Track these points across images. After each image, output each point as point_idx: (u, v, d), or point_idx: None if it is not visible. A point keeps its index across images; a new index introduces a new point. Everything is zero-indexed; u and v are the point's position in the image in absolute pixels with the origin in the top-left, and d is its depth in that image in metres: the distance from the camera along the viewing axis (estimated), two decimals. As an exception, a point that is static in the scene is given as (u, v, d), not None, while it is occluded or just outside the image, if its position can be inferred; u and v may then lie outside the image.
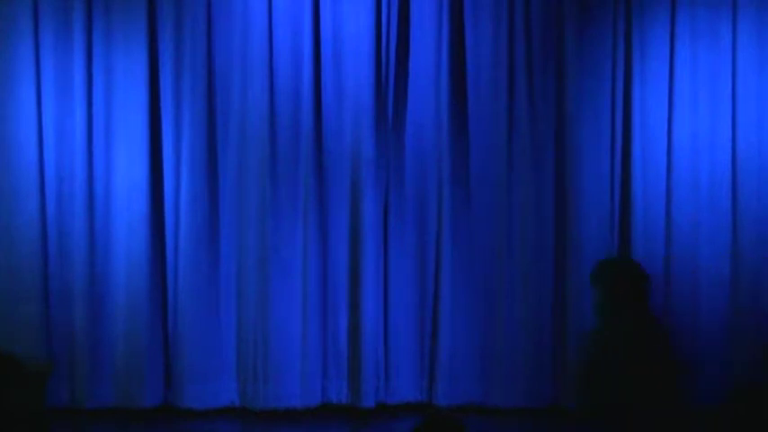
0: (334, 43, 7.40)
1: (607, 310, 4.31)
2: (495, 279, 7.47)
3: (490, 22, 7.47)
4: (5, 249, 7.22)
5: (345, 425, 7.25)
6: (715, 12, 7.48)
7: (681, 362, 4.47)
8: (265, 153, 7.34)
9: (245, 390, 7.37)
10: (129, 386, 7.28)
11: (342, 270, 7.39)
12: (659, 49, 7.50)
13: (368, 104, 7.35)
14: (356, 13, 7.37)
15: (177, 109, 7.34)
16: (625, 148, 7.52)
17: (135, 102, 7.29)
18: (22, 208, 7.22)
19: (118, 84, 7.30)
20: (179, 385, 7.31)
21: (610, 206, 7.51)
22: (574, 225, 7.47)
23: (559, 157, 7.50)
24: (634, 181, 7.49)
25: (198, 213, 7.32)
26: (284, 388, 7.31)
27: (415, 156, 7.49)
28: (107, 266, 7.30)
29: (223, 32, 7.37)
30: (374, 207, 7.38)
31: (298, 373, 7.32)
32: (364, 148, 7.36)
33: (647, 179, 7.50)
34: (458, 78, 7.46)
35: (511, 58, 7.46)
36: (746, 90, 7.46)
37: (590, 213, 7.48)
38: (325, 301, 7.41)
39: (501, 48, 7.46)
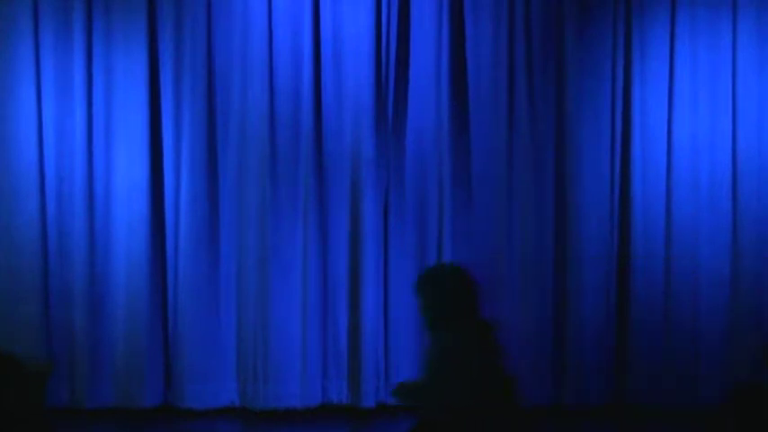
0: (334, 43, 7.40)
1: (437, 316, 4.28)
2: (494, 279, 7.47)
3: (490, 22, 7.47)
4: (5, 249, 7.22)
5: (345, 425, 7.25)
6: (715, 12, 7.49)
7: (512, 370, 4.42)
8: (265, 153, 7.34)
9: (245, 390, 7.37)
10: (129, 386, 7.28)
11: (342, 270, 7.39)
12: (659, 49, 7.51)
13: (368, 105, 7.35)
14: (356, 13, 7.37)
15: (177, 109, 7.34)
16: (625, 148, 7.52)
17: (135, 102, 7.29)
18: (22, 208, 7.22)
19: (118, 84, 7.30)
20: (179, 385, 7.31)
21: (610, 206, 7.51)
22: (574, 225, 7.48)
23: (559, 157, 7.51)
24: (634, 181, 7.49)
25: (198, 213, 7.32)
26: (284, 388, 7.31)
27: (415, 155, 7.49)
28: (107, 266, 7.30)
29: (223, 32, 7.37)
30: (374, 207, 7.38)
31: (298, 373, 7.32)
32: (364, 148, 7.37)
33: (646, 179, 7.50)
34: (458, 78, 7.46)
35: (511, 58, 7.47)
36: (746, 90, 7.47)
37: (590, 213, 7.49)
38: (325, 301, 7.41)
39: (501, 48, 7.47)
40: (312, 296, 7.35)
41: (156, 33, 7.34)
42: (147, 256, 7.27)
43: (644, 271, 7.48)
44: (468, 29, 7.44)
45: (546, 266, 7.46)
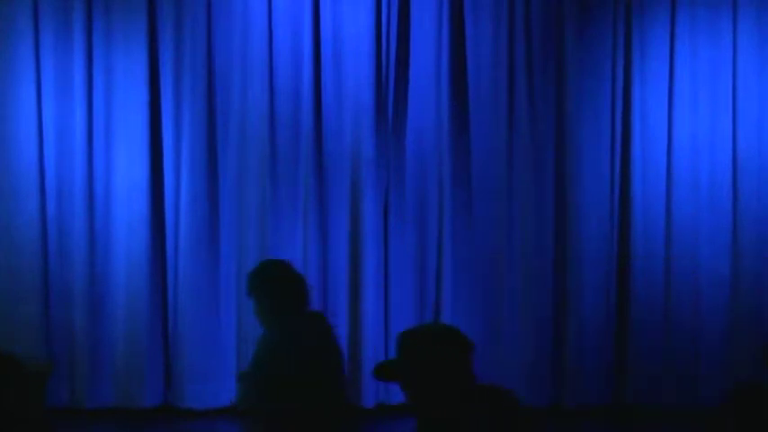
0: (334, 43, 7.40)
1: (266, 313, 4.29)
2: (495, 279, 7.47)
3: (490, 22, 7.47)
4: (5, 249, 7.22)
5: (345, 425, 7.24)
6: (715, 11, 7.48)
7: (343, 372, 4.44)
8: (265, 153, 7.34)
9: (245, 390, 7.37)
10: (129, 386, 7.28)
11: (342, 270, 7.39)
12: (659, 49, 7.51)
13: (368, 105, 7.35)
14: (356, 13, 7.37)
15: (177, 109, 7.34)
16: (625, 148, 7.52)
17: (135, 102, 7.30)
18: (22, 208, 7.22)
19: (118, 84, 7.31)
20: (179, 385, 7.31)
21: (610, 206, 7.51)
22: (574, 225, 7.48)
23: (559, 157, 7.51)
24: (634, 181, 7.49)
25: (198, 213, 7.32)
26: (284, 388, 7.30)
27: (416, 155, 7.49)
28: (107, 266, 7.30)
29: (223, 32, 7.37)
30: (374, 207, 7.38)
31: (298, 374, 7.31)
32: (364, 148, 7.37)
33: (646, 179, 7.50)
34: (458, 78, 7.46)
35: (511, 58, 7.47)
36: (746, 90, 7.46)
37: (590, 213, 7.49)
38: (325, 301, 7.41)
39: (501, 48, 7.47)
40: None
41: (156, 33, 7.34)
42: (147, 256, 7.27)
43: (644, 271, 7.48)
44: (468, 29, 7.44)
45: (546, 266, 7.46)
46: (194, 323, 7.30)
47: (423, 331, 3.14)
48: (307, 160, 7.36)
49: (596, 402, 7.48)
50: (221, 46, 7.38)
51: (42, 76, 7.27)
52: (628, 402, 7.49)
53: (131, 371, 7.27)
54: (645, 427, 7.37)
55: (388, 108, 7.45)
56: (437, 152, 7.46)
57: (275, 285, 4.27)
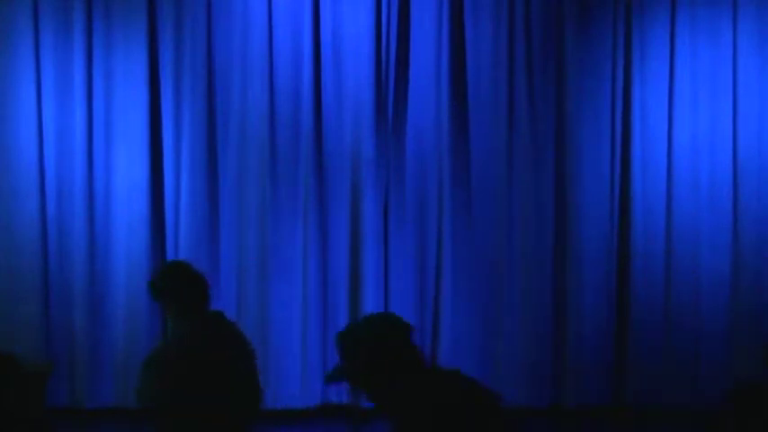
0: (334, 43, 7.40)
1: (173, 315, 4.30)
2: (494, 279, 7.47)
3: (490, 22, 7.47)
4: (5, 249, 7.22)
5: (345, 425, 7.24)
6: (715, 11, 7.48)
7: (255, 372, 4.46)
8: (265, 153, 7.34)
9: (246, 390, 7.36)
10: (128, 386, 7.26)
11: (342, 270, 7.39)
12: (659, 49, 7.51)
13: (368, 105, 7.35)
14: (356, 13, 7.37)
15: (177, 109, 7.34)
16: (625, 148, 7.52)
17: (135, 102, 7.30)
18: (22, 208, 7.22)
19: (118, 84, 7.31)
20: (179, 385, 7.30)
21: (610, 206, 7.51)
22: (574, 225, 7.47)
23: (559, 157, 7.51)
24: (634, 181, 7.49)
25: (198, 213, 7.32)
26: (284, 388, 7.31)
27: (416, 155, 7.49)
28: (107, 266, 7.30)
29: (223, 32, 7.37)
30: (374, 207, 7.38)
31: (298, 374, 7.32)
32: (364, 148, 7.37)
33: (646, 179, 7.50)
34: (458, 78, 7.46)
35: (511, 58, 7.47)
36: (746, 90, 7.46)
37: (590, 213, 7.49)
38: (325, 301, 7.41)
39: (501, 48, 7.46)
40: (312, 296, 7.35)
41: (156, 33, 7.34)
42: (147, 256, 7.27)
43: (644, 271, 7.48)
44: (468, 29, 7.44)
45: (546, 266, 7.46)
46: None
47: (357, 326, 3.12)
48: (307, 160, 7.36)
49: (596, 402, 7.48)
50: (221, 46, 7.38)
51: (42, 77, 7.27)
52: (628, 402, 7.49)
53: (131, 371, 7.26)
54: (645, 427, 7.37)
55: (388, 108, 7.45)
56: (437, 152, 7.45)
57: (181, 287, 4.28)
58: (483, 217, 7.48)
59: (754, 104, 7.48)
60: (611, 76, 7.51)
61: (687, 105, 7.49)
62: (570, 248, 7.47)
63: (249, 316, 7.35)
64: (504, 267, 7.45)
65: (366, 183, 7.37)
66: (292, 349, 7.32)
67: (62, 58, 7.29)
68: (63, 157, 7.31)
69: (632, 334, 7.48)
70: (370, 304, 7.35)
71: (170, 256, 7.32)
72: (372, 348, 3.03)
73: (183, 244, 7.30)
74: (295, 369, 7.31)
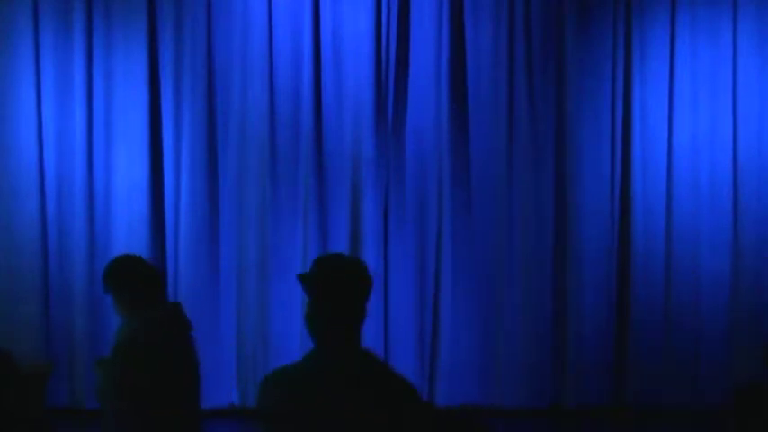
0: (334, 43, 7.40)
1: (126, 307, 4.32)
2: (495, 279, 7.47)
3: (490, 22, 7.47)
4: (5, 249, 7.22)
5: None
6: (715, 12, 7.49)
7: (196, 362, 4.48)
8: (265, 153, 7.34)
9: (246, 390, 7.37)
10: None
11: (342, 270, 7.37)
12: (659, 49, 7.51)
13: (368, 104, 7.35)
14: (356, 13, 7.37)
15: (177, 109, 7.34)
16: (625, 148, 7.52)
17: (135, 102, 7.30)
18: (22, 208, 7.22)
19: (118, 84, 7.31)
20: (179, 385, 7.30)
21: (610, 206, 7.51)
22: (574, 225, 7.48)
23: (559, 157, 7.51)
24: (634, 181, 7.49)
25: (198, 213, 7.32)
26: (284, 388, 7.29)
27: (415, 156, 7.49)
28: (107, 266, 7.29)
29: (223, 32, 7.37)
30: (374, 207, 7.38)
31: (298, 374, 7.31)
32: (364, 148, 7.37)
33: (646, 179, 7.50)
34: (458, 78, 7.46)
35: (511, 58, 7.47)
36: (746, 90, 7.47)
37: (590, 213, 7.49)
38: (325, 301, 7.40)
39: (501, 48, 7.47)
40: (312, 296, 7.34)
41: (156, 33, 7.34)
42: (147, 256, 7.25)
43: (644, 271, 7.48)
44: (468, 29, 7.44)
45: (546, 266, 7.46)
46: (194, 323, 7.27)
47: None
48: (307, 160, 7.36)
49: (596, 402, 7.48)
50: (221, 46, 7.38)
51: (42, 77, 7.27)
52: (628, 402, 7.49)
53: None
54: (645, 427, 7.37)
55: (388, 108, 7.45)
56: (437, 152, 7.46)
57: (134, 279, 4.30)
58: (483, 217, 7.48)
59: (754, 104, 7.48)
60: (611, 76, 7.52)
61: (687, 105, 7.49)
62: (570, 248, 7.47)
63: (249, 316, 7.36)
64: (504, 267, 7.45)
65: (366, 183, 7.37)
66: (292, 349, 7.30)
67: (62, 58, 7.29)
68: (63, 157, 7.31)
69: (632, 334, 7.48)
70: (370, 304, 7.32)
71: (170, 256, 7.32)
72: None
73: (182, 244, 7.30)
74: (295, 369, 7.30)
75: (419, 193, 7.49)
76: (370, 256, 7.34)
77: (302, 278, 3.06)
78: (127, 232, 7.28)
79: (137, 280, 4.30)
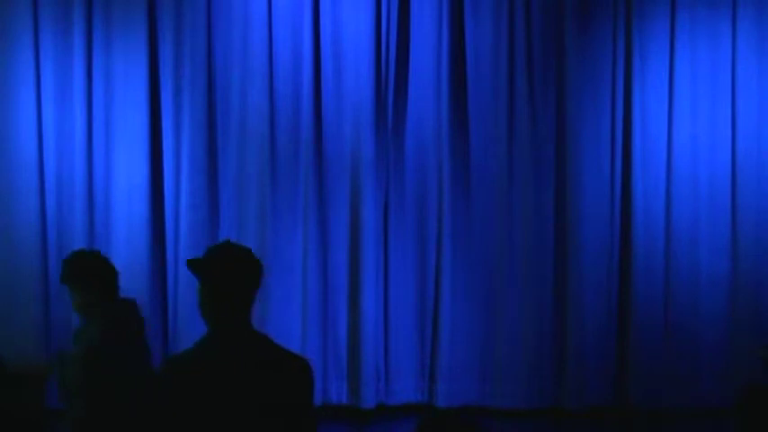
0: (334, 43, 7.40)
1: (84, 303, 4.33)
2: (495, 280, 7.47)
3: (490, 22, 7.47)
4: (5, 249, 7.22)
5: (345, 425, 7.24)
6: (714, 13, 7.49)
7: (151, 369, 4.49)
8: (265, 153, 7.34)
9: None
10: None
11: (342, 270, 7.39)
12: (659, 49, 7.51)
13: (368, 105, 7.35)
14: (356, 13, 7.37)
15: (177, 109, 7.34)
16: (625, 148, 7.52)
17: (135, 102, 7.29)
18: (22, 208, 7.22)
19: (118, 84, 7.30)
20: (179, 385, 7.30)
21: (610, 206, 7.51)
22: (574, 225, 7.47)
23: (559, 157, 7.51)
24: (634, 181, 7.49)
25: (198, 213, 7.32)
26: (284, 388, 7.29)
27: (415, 156, 7.48)
28: (107, 267, 7.29)
29: (223, 33, 7.37)
30: (374, 207, 7.37)
31: (297, 374, 7.30)
32: (364, 148, 7.36)
33: (646, 179, 7.50)
34: (458, 78, 7.46)
35: (511, 58, 7.47)
36: (746, 90, 7.47)
37: (590, 213, 7.49)
38: (326, 302, 7.41)
39: (501, 48, 7.46)
40: (312, 296, 7.35)
41: (156, 34, 7.34)
42: (147, 257, 7.27)
43: (644, 271, 7.48)
44: (468, 29, 7.44)
45: (546, 266, 7.46)
46: (194, 323, 7.26)
47: None
48: (307, 160, 7.36)
49: (597, 403, 7.48)
50: (221, 46, 7.38)
51: (42, 77, 7.27)
52: (628, 403, 7.48)
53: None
54: (645, 427, 7.36)
55: (388, 108, 7.45)
56: (437, 152, 7.45)
57: (92, 275, 4.31)
58: (483, 217, 7.48)
59: (754, 105, 7.49)
60: (611, 77, 7.52)
61: (687, 106, 7.50)
62: (570, 248, 7.47)
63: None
64: (505, 267, 7.44)
65: (366, 183, 7.37)
66: (292, 348, 7.30)
67: (62, 58, 7.29)
68: (63, 157, 7.31)
69: (632, 334, 7.48)
70: (370, 304, 7.35)
71: (170, 256, 7.32)
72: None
73: (182, 244, 7.29)
74: (295, 369, 7.30)
75: (419, 193, 7.49)
76: (370, 256, 7.34)
77: (191, 264, 3.20)
78: (127, 232, 7.28)
79: (94, 276, 4.32)
